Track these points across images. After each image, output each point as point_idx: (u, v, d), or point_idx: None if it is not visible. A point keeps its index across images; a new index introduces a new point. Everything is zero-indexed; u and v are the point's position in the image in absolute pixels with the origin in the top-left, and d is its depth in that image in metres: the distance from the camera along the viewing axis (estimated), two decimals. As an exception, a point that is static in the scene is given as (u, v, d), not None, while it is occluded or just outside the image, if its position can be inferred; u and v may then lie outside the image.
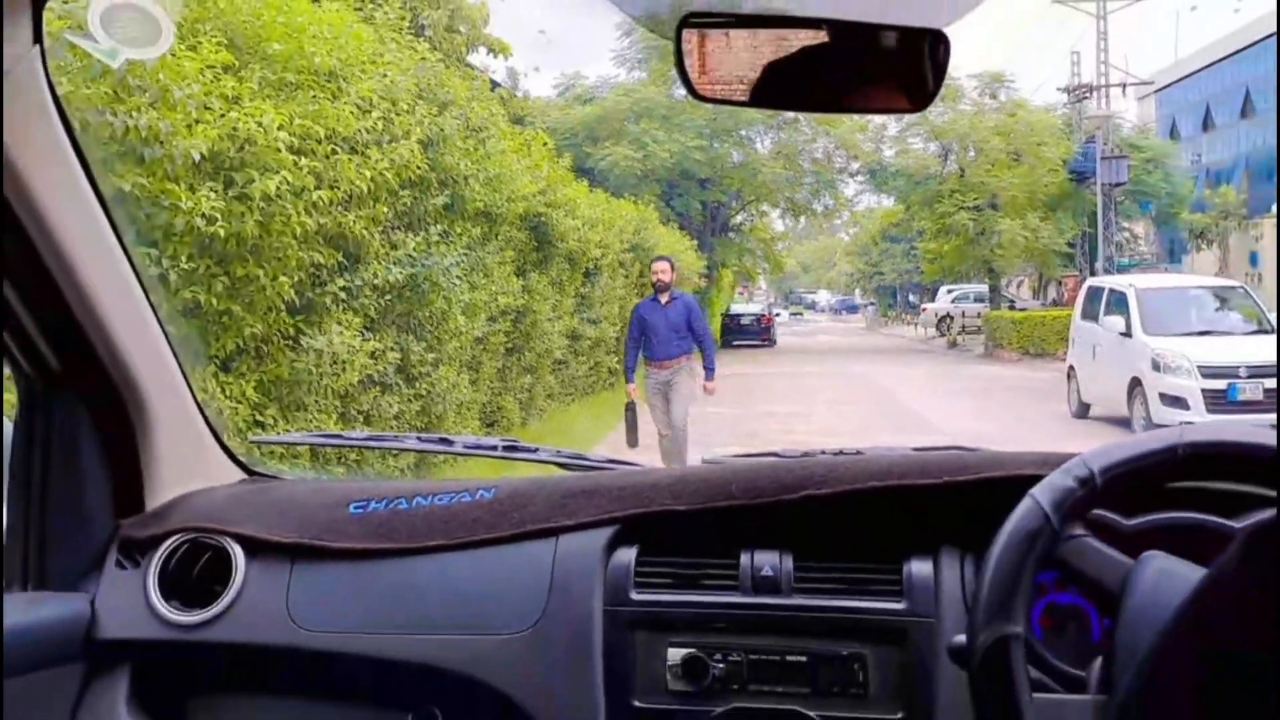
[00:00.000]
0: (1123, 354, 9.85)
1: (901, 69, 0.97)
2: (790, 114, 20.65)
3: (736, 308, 27.37)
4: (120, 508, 1.29)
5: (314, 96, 4.87)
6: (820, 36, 0.96)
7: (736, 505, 1.16)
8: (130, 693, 1.21)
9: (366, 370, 5.45)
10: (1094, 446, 0.89)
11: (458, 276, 6.53)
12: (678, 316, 6.71)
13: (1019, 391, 13.63)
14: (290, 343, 4.89)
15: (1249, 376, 8.87)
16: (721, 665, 1.09)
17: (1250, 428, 0.86)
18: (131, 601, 1.22)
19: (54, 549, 1.24)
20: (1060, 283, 26.19)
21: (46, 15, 1.05)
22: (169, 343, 1.31)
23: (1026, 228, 21.92)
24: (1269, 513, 0.82)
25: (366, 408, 5.62)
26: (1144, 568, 0.85)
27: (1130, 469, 0.85)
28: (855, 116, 20.15)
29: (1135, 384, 9.53)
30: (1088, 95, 23.99)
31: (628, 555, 1.17)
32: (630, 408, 6.61)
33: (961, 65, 22.06)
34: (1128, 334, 9.92)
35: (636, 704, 1.10)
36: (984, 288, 26.43)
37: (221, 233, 4.10)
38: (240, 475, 1.45)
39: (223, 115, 4.21)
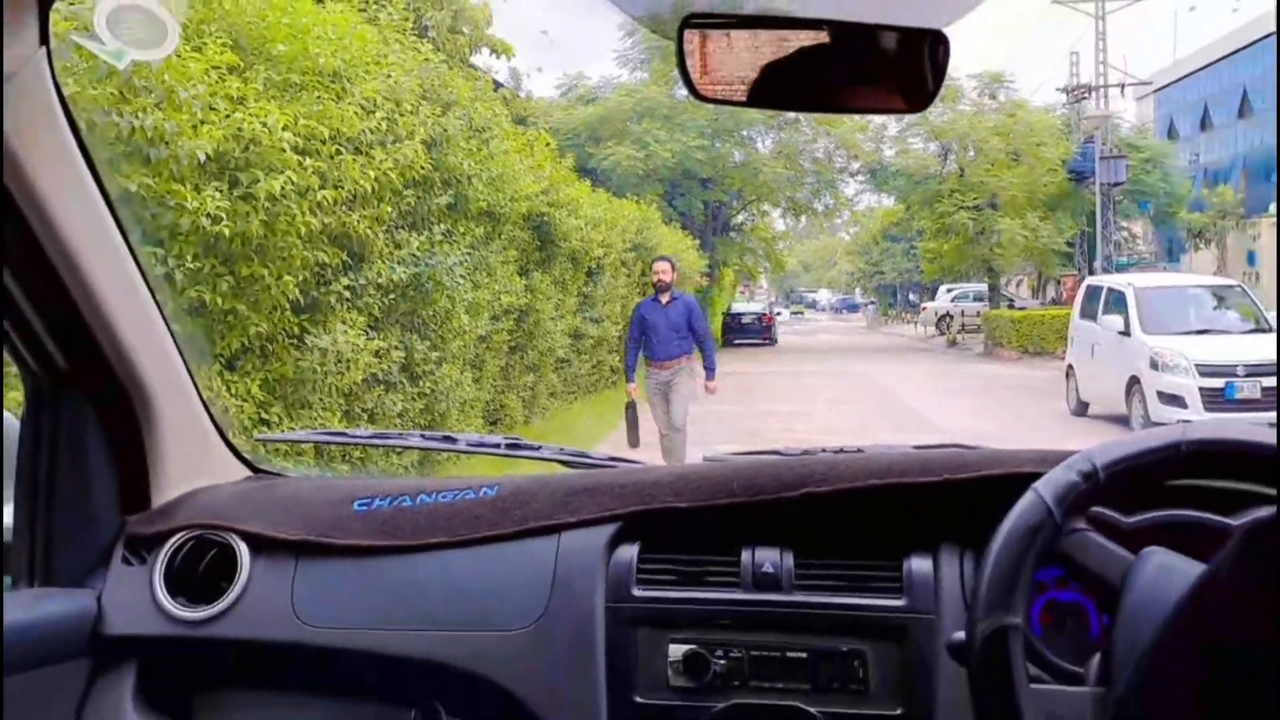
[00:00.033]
0: (1121, 353, 9.87)
1: (901, 69, 0.98)
2: (791, 114, 20.68)
3: (738, 307, 27.39)
4: (126, 505, 1.29)
5: (318, 97, 4.88)
6: (821, 37, 0.96)
7: (738, 502, 1.16)
8: (136, 688, 1.22)
9: (370, 369, 5.47)
10: (1094, 443, 0.89)
11: (461, 276, 6.55)
12: (678, 316, 6.70)
13: (1018, 390, 13.65)
14: (295, 341, 4.91)
15: (1247, 375, 8.89)
16: (723, 661, 1.10)
17: (1250, 426, 0.87)
18: (138, 598, 1.23)
19: (61, 546, 1.25)
20: (1059, 282, 26.26)
21: (53, 17, 1.05)
22: (175, 341, 1.32)
23: (1026, 227, 21.99)
24: (1267, 510, 0.82)
25: (370, 406, 5.64)
26: (1144, 563, 0.85)
27: (1133, 465, 0.85)
28: (855, 117, 20.18)
29: (1134, 382, 9.55)
30: (1086, 95, 24.04)
31: (630, 552, 1.17)
32: (631, 407, 6.60)
33: (961, 66, 22.13)
34: (1126, 333, 9.94)
35: (638, 700, 1.11)
36: (983, 287, 26.50)
37: (226, 232, 4.11)
38: (245, 473, 1.46)
39: (228, 116, 4.23)
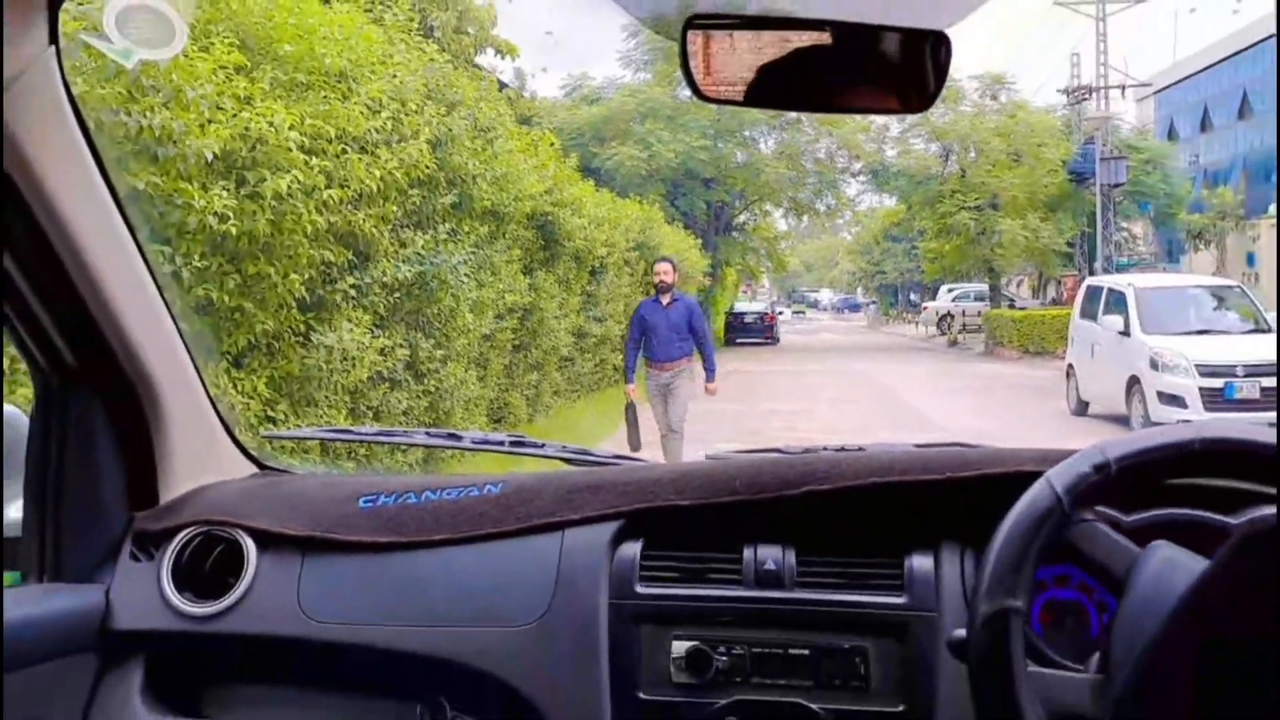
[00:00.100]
0: (1121, 352, 9.89)
1: (903, 70, 0.98)
2: (793, 115, 20.73)
3: (740, 306, 27.45)
4: (134, 501, 1.30)
5: (324, 97, 4.90)
6: (823, 38, 0.96)
7: (740, 500, 1.17)
8: (144, 683, 1.23)
9: (376, 367, 5.49)
10: (1096, 441, 0.90)
11: (466, 274, 6.56)
12: (679, 317, 6.67)
13: (1019, 389, 13.66)
14: (301, 339, 4.93)
15: (1246, 375, 8.90)
16: (725, 658, 1.10)
17: (1255, 426, 0.87)
18: (145, 593, 1.24)
19: (69, 541, 1.25)
20: (1060, 282, 26.30)
21: (62, 16, 1.06)
22: (182, 339, 1.32)
23: (1026, 228, 22.06)
24: (1268, 509, 0.83)
25: (376, 403, 5.65)
26: (1150, 556, 0.86)
27: (1146, 459, 0.86)
28: (857, 117, 20.21)
29: (1134, 382, 9.56)
30: (1087, 97, 24.08)
31: (633, 549, 1.18)
32: (630, 409, 6.57)
33: (962, 67, 22.21)
34: (1126, 333, 9.95)
35: (641, 696, 1.11)
36: (984, 287, 26.57)
37: (234, 231, 4.13)
38: (252, 469, 1.47)
39: (235, 115, 4.25)
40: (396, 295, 5.78)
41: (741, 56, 0.98)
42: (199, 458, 1.36)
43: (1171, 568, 0.83)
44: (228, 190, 4.17)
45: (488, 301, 7.24)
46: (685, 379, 6.74)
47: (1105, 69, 23.48)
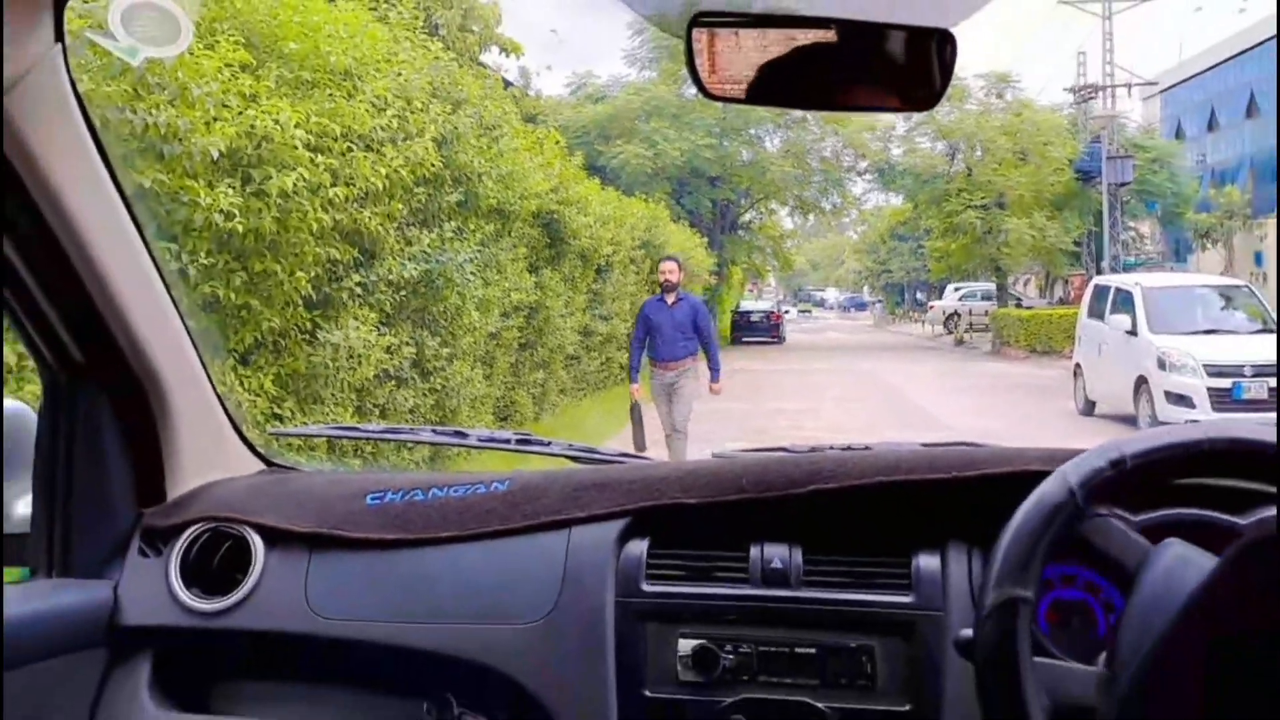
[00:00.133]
0: (1129, 352, 9.87)
1: (909, 68, 0.98)
2: (799, 113, 20.72)
3: (746, 305, 27.44)
4: (142, 497, 1.31)
5: (330, 95, 4.91)
6: (828, 36, 0.96)
7: (746, 499, 1.17)
8: (152, 678, 1.23)
9: (382, 364, 5.50)
10: (1101, 441, 0.89)
11: (471, 273, 6.57)
12: (684, 317, 6.64)
13: (1025, 389, 13.65)
14: (307, 337, 4.94)
15: (1254, 375, 8.89)
16: (731, 656, 1.10)
17: (1264, 426, 0.87)
18: (153, 589, 1.24)
19: (78, 537, 1.26)
20: (1067, 281, 26.32)
21: (67, 14, 1.06)
22: (189, 336, 1.33)
23: (1033, 226, 22.07)
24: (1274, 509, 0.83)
25: (382, 401, 5.67)
26: (1163, 552, 0.85)
27: (1162, 457, 0.86)
28: (863, 116, 20.20)
29: (1141, 382, 9.55)
30: (1093, 95, 24.05)
31: (639, 547, 1.18)
32: (635, 409, 6.54)
33: (968, 65, 22.15)
34: (1134, 332, 9.94)
35: (647, 694, 1.11)
36: (991, 286, 26.61)
37: (240, 228, 4.14)
38: (259, 466, 1.47)
39: (240, 113, 4.26)
40: (402, 293, 5.79)
41: (747, 54, 0.98)
42: (206, 454, 1.37)
43: (1184, 565, 0.83)
44: (233, 188, 4.18)
45: (493, 300, 7.25)
46: (689, 378, 6.71)
47: (1111, 67, 23.46)
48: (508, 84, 11.54)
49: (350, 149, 4.95)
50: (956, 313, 27.40)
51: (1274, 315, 10.21)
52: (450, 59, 6.85)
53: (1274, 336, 9.67)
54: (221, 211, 4.06)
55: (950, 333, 26.70)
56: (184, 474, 1.33)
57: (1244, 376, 8.90)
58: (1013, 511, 0.87)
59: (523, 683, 1.14)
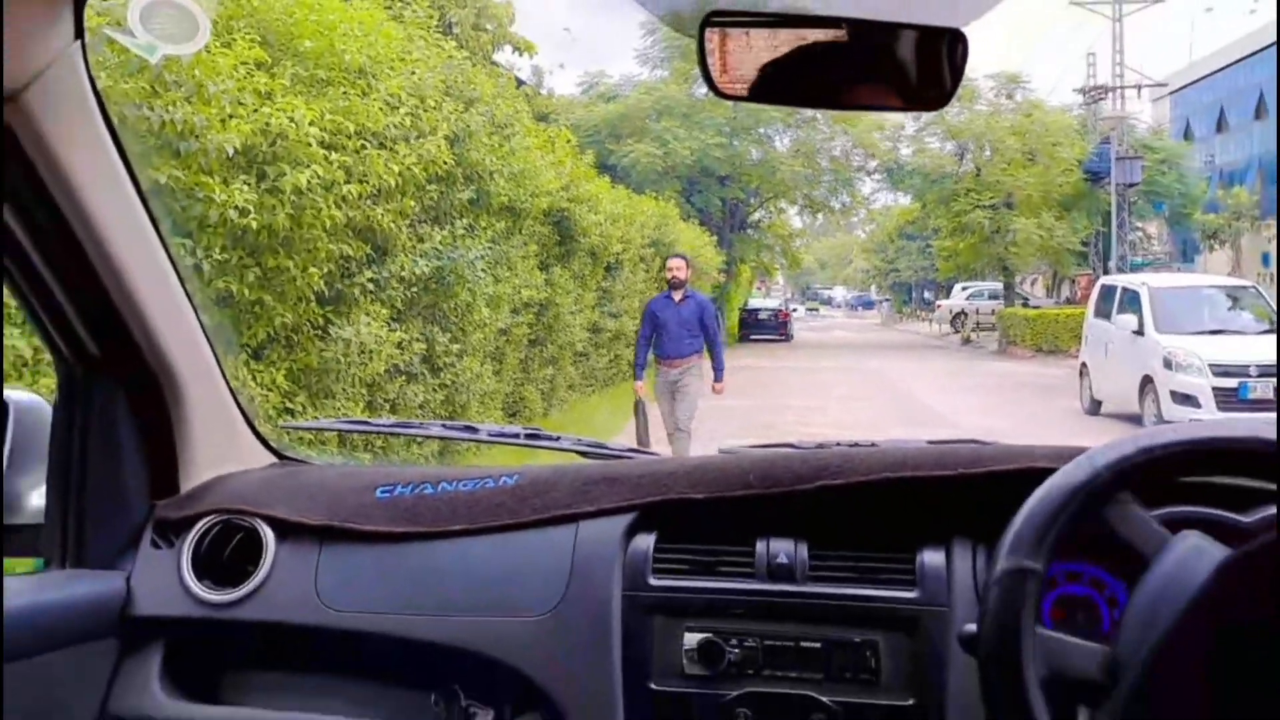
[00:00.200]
0: (1135, 352, 9.86)
1: (920, 68, 0.98)
2: (809, 112, 20.68)
3: (754, 303, 27.46)
4: (156, 489, 1.32)
5: (344, 93, 4.93)
6: (840, 35, 0.97)
7: (753, 494, 1.18)
8: (163, 668, 1.25)
9: (393, 360, 5.53)
10: (1107, 440, 0.90)
11: (482, 270, 6.59)
12: (690, 314, 6.62)
13: (1032, 388, 13.61)
14: (319, 332, 4.97)
15: (1260, 375, 8.86)
16: (737, 650, 1.11)
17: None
18: (166, 580, 1.26)
19: (92, 529, 1.27)
20: (1074, 281, 26.33)
21: (87, 11, 1.06)
22: (203, 331, 1.34)
23: (1041, 226, 22.08)
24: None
25: (393, 396, 5.69)
26: (1180, 542, 0.85)
27: (1196, 450, 0.86)
28: (873, 116, 20.18)
29: (1147, 381, 9.54)
30: (1103, 96, 24.02)
31: (646, 542, 1.19)
32: (639, 405, 6.54)
33: (978, 65, 22.21)
34: (1140, 332, 9.92)
35: (653, 686, 1.12)
36: (998, 285, 26.62)
37: (254, 225, 4.17)
38: (271, 460, 1.48)
39: (256, 110, 4.28)
40: (414, 289, 5.81)
41: (758, 54, 0.98)
42: (219, 448, 1.38)
43: (1198, 555, 0.83)
44: (248, 184, 4.21)
45: (504, 296, 7.27)
46: (694, 376, 6.69)
47: (1121, 69, 23.39)
48: (520, 83, 11.56)
49: (364, 146, 4.98)
50: (964, 312, 27.38)
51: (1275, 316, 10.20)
52: (464, 58, 6.87)
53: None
54: (236, 208, 4.08)
55: (957, 332, 26.67)
56: (197, 467, 1.35)
57: (1250, 376, 8.88)
58: (1018, 508, 0.88)
59: (530, 675, 1.15)
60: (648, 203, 13.47)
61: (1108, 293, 11.22)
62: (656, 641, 1.14)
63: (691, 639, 1.12)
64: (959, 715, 1.04)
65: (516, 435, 1.53)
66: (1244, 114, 24.64)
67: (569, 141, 9.81)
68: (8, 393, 1.29)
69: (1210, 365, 8.94)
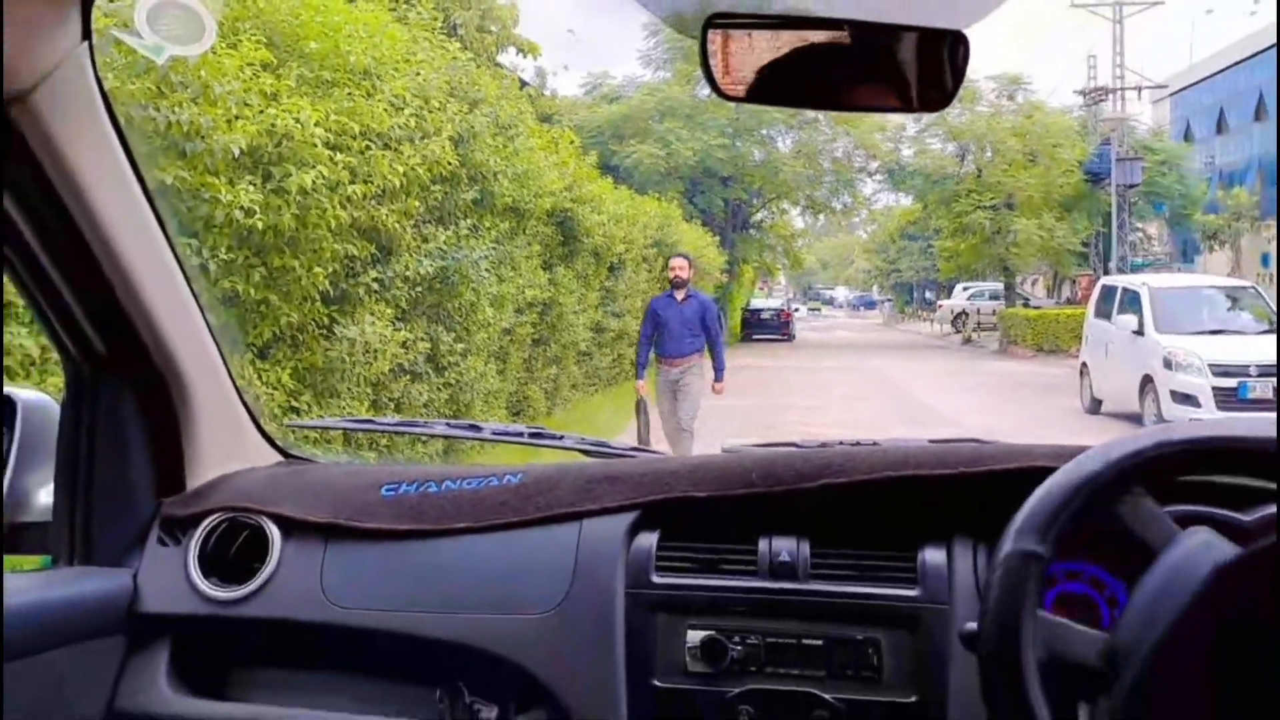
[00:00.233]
0: (1135, 351, 9.88)
1: (921, 69, 0.98)
2: (811, 114, 20.71)
3: (756, 302, 27.55)
4: (162, 487, 1.32)
5: (349, 94, 4.95)
6: (842, 37, 0.97)
7: (756, 493, 1.18)
8: (170, 665, 1.25)
9: (397, 359, 5.55)
10: (1107, 439, 0.90)
11: (486, 269, 6.60)
12: (692, 314, 6.61)
13: (1032, 387, 13.62)
14: (324, 332, 4.99)
15: (1259, 375, 8.88)
16: (739, 647, 1.12)
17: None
18: (172, 577, 1.26)
19: (99, 526, 1.28)
20: (1074, 281, 26.42)
21: (94, 13, 1.07)
22: (209, 330, 1.34)
23: (1042, 227, 22.16)
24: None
25: (397, 395, 5.71)
26: (1190, 537, 0.85)
27: (1213, 447, 0.86)
28: (874, 117, 20.26)
29: (1147, 381, 9.56)
30: (1104, 98, 24.08)
31: (649, 540, 1.19)
32: (640, 404, 6.51)
33: (980, 67, 22.18)
34: (1140, 332, 9.94)
35: (656, 684, 1.13)
36: (999, 285, 26.71)
37: (259, 225, 4.18)
38: (277, 458, 1.49)
39: (261, 111, 4.30)
40: (418, 289, 5.83)
41: (760, 55, 0.99)
42: (225, 446, 1.39)
43: (1207, 550, 0.82)
44: (254, 185, 4.22)
45: (508, 296, 7.29)
46: (696, 376, 6.67)
47: (1122, 70, 23.41)
48: (524, 84, 11.57)
49: (369, 147, 4.99)
50: (965, 312, 27.45)
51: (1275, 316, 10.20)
52: (468, 59, 6.89)
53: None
54: (242, 208, 4.10)
55: (958, 331, 26.72)
56: (203, 465, 1.35)
57: (1249, 376, 8.89)
58: (1019, 507, 0.88)
59: (534, 672, 1.15)
60: (651, 203, 13.48)
61: (1108, 293, 11.25)
62: (660, 639, 1.14)
63: (694, 636, 1.13)
64: (960, 712, 1.04)
65: (520, 434, 1.54)
66: (1244, 115, 24.66)
67: (572, 142, 9.82)
68: (16, 391, 1.30)
69: (1210, 365, 8.96)
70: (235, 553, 1.30)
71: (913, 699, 1.09)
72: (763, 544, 1.17)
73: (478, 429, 1.59)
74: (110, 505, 1.29)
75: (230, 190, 4.08)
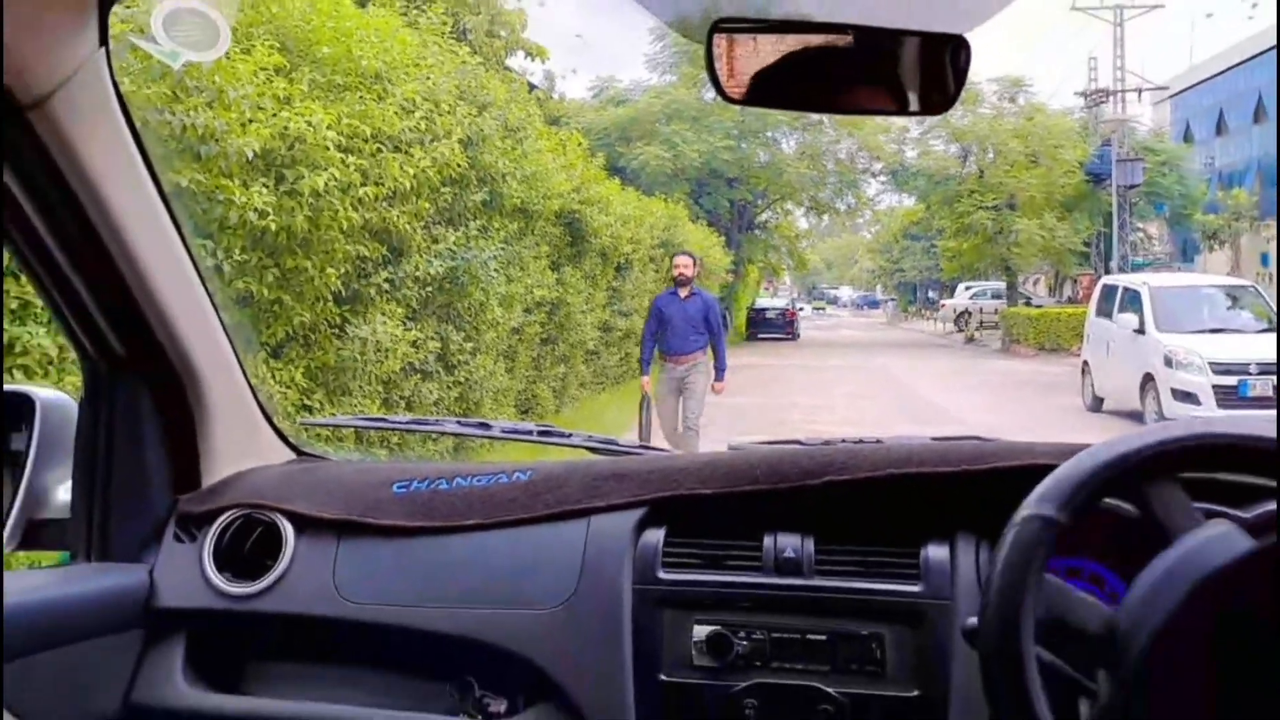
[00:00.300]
0: (1136, 350, 9.88)
1: (924, 73, 0.99)
2: (815, 116, 20.64)
3: (762, 302, 27.64)
4: (178, 484, 1.34)
5: (361, 97, 4.98)
6: (845, 41, 0.98)
7: (761, 489, 1.19)
8: (186, 659, 1.27)
9: (408, 358, 5.58)
10: (1108, 437, 0.91)
11: (495, 270, 6.63)
12: (696, 312, 6.60)
13: (1034, 386, 13.60)
14: (337, 331, 5.02)
15: (1259, 373, 8.87)
16: (745, 643, 1.13)
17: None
18: (188, 573, 1.28)
19: (116, 523, 1.30)
20: (1076, 281, 26.38)
21: (111, 20, 1.09)
22: (224, 330, 1.36)
23: (1043, 227, 22.16)
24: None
25: (408, 394, 5.74)
26: (1212, 526, 0.84)
27: (1231, 444, 0.86)
28: (878, 119, 20.13)
29: (1148, 379, 9.56)
30: (1104, 100, 24.06)
31: (656, 536, 1.20)
32: (644, 400, 6.48)
33: (981, 69, 22.11)
34: (1141, 331, 9.94)
35: (663, 678, 1.14)
36: (1001, 285, 26.67)
37: (273, 226, 4.22)
38: (290, 455, 1.50)
39: (274, 115, 4.33)
40: (428, 289, 5.86)
41: (765, 59, 1.00)
42: (240, 444, 1.40)
43: (1225, 539, 0.82)
44: (267, 187, 4.26)
45: (516, 296, 7.31)
46: (700, 373, 6.66)
47: (1122, 72, 23.36)
48: (532, 87, 11.58)
49: (380, 150, 5.02)
50: (967, 311, 27.47)
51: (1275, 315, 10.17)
52: (477, 63, 6.92)
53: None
54: (255, 210, 4.13)
55: (961, 330, 26.73)
56: (218, 462, 1.37)
57: (1250, 374, 8.89)
58: (1020, 504, 0.88)
59: (542, 666, 1.16)
60: (657, 204, 13.49)
61: (1109, 292, 11.24)
62: (666, 634, 1.15)
63: (701, 631, 1.14)
64: (962, 707, 1.05)
65: (529, 432, 1.55)
66: (1243, 117, 24.59)
67: (580, 145, 9.84)
68: (35, 390, 1.32)
69: (1210, 363, 8.96)
70: (250, 549, 1.31)
71: (915, 693, 1.10)
72: (768, 540, 1.18)
73: (487, 427, 1.60)
74: (127, 502, 1.30)
75: (244, 192, 4.11)
